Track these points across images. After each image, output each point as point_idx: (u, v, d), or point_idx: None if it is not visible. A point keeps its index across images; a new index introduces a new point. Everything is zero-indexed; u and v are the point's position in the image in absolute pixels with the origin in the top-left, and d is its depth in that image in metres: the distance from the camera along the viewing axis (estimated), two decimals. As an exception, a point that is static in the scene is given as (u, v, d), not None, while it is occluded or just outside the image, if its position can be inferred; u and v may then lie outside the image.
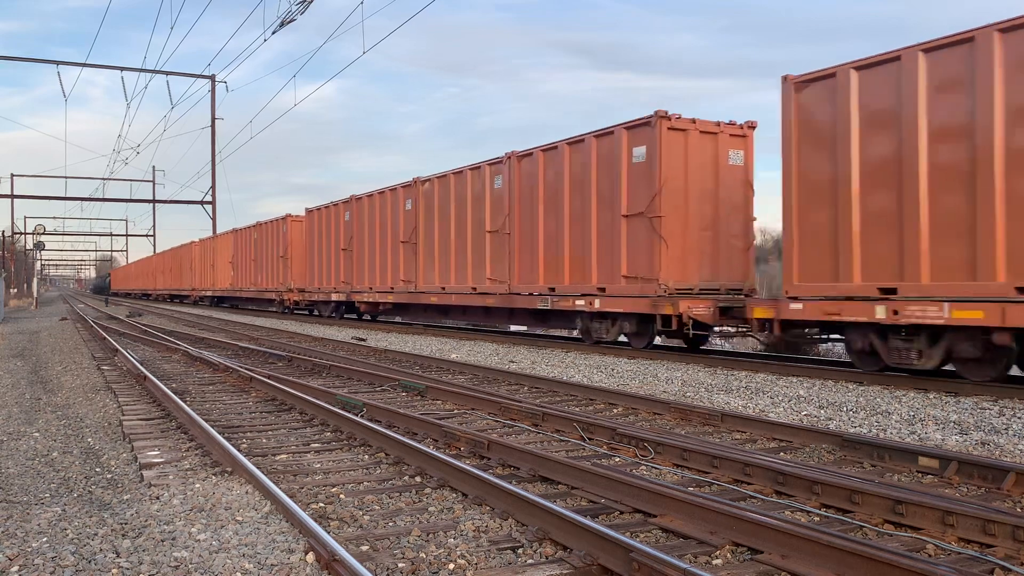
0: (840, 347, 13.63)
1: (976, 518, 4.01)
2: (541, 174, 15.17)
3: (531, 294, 15.32)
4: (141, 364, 11.81)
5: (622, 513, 4.53)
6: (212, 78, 47.24)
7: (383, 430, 6.37)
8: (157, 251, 61.81)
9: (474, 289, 16.95)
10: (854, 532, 4.23)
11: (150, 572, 3.63)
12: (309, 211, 26.51)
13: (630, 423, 7.22)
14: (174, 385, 10.11)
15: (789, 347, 15.16)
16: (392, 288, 20.64)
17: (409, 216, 19.92)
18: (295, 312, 28.46)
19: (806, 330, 11.00)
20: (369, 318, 24.45)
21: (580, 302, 13.86)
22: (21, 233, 69.05)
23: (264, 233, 30.75)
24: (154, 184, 64.25)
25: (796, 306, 10.31)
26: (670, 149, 12.60)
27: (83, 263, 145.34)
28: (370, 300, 21.95)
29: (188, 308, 39.67)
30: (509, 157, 15.92)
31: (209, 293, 39.38)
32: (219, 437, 6.14)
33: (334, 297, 24.19)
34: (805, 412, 7.83)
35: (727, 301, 12.27)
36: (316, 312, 27.48)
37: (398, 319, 24.17)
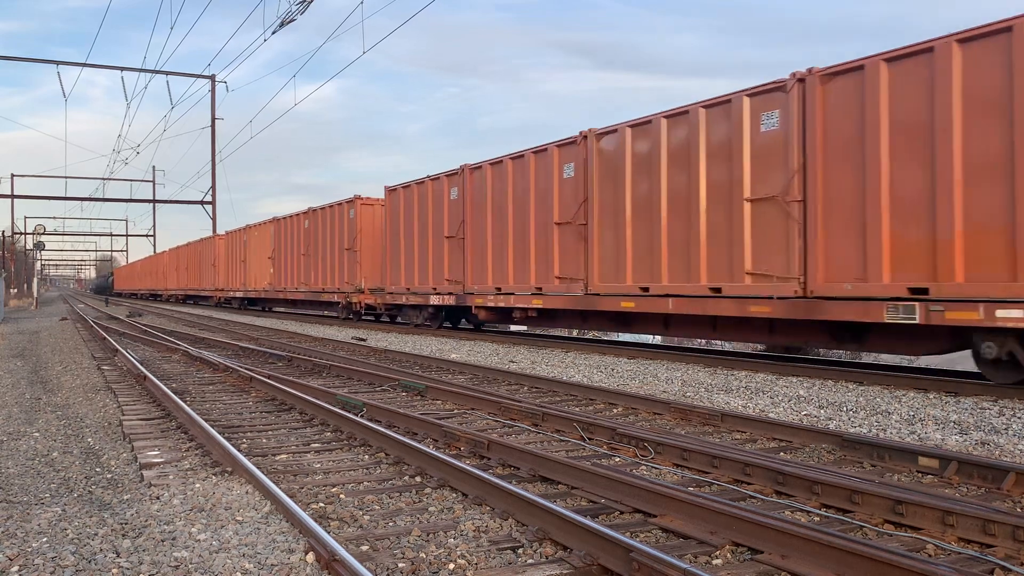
0: None
1: (976, 518, 4.01)
2: (883, 101, 9.29)
3: (854, 299, 9.46)
4: (141, 364, 11.81)
5: (622, 513, 4.53)
6: (212, 78, 47.27)
7: (383, 430, 6.37)
8: (157, 251, 61.40)
9: (716, 291, 11.26)
10: (854, 532, 4.23)
11: (150, 572, 3.63)
12: (391, 190, 20.32)
13: (630, 423, 7.22)
14: (174, 385, 10.11)
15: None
16: (540, 289, 14.77)
17: (572, 187, 14.07)
18: (363, 318, 23.11)
19: None
20: (470, 326, 19.51)
21: (1008, 313, 8.06)
22: (21, 233, 69.12)
23: (321, 221, 24.58)
24: (154, 184, 64.43)
25: None
26: None
27: (83, 263, 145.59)
28: (498, 305, 16.03)
29: (202, 311, 38.05)
30: (802, 80, 10.17)
31: (239, 294, 33.10)
32: (219, 437, 6.14)
33: (435, 300, 18.24)
34: (805, 412, 7.83)
35: None
36: (400, 319, 21.77)
37: (544, 331, 19.31)
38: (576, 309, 14.08)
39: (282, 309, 32.53)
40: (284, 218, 28.39)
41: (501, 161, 16.08)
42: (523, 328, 19.80)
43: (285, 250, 28.06)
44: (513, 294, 15.56)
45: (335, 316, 24.53)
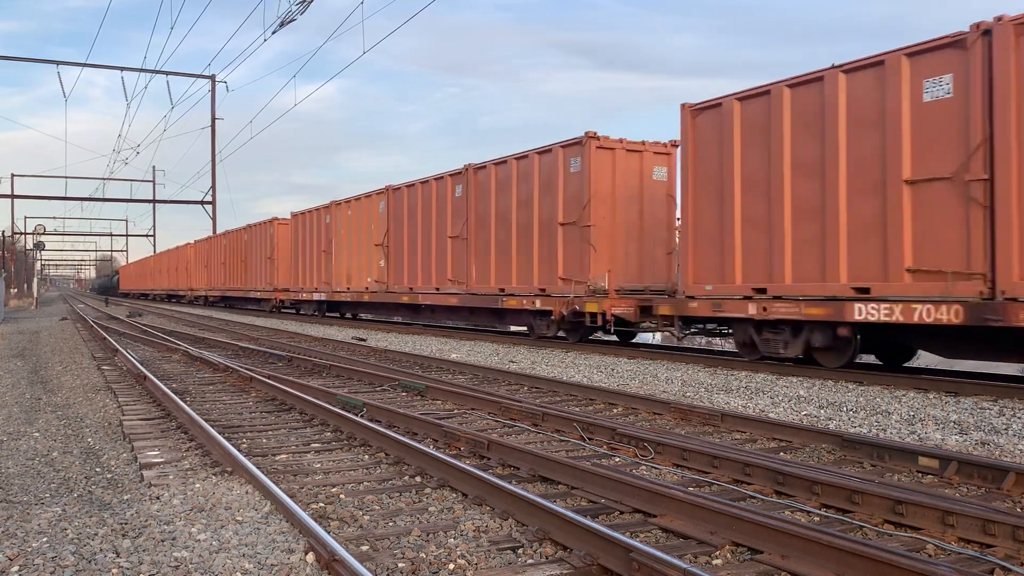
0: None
1: (976, 518, 4.01)
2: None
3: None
4: (141, 364, 11.81)
5: (622, 513, 4.53)
6: (212, 78, 47.29)
7: (383, 430, 6.37)
8: (157, 251, 60.78)
9: None
10: (854, 532, 4.23)
11: (150, 572, 3.63)
12: (700, 108, 11.62)
13: (630, 423, 7.22)
14: (174, 385, 10.11)
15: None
16: None
17: None
18: (594, 339, 15.06)
19: None
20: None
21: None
22: (21, 233, 69.10)
23: (493, 183, 16.25)
24: (154, 184, 64.39)
25: None
26: None
27: (83, 263, 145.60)
28: None
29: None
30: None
31: (319, 296, 24.73)
32: (219, 437, 6.14)
33: (866, 314, 9.22)
34: (805, 412, 7.83)
35: None
36: (690, 340, 14.58)
37: None
38: None
39: (369, 317, 24.39)
40: (409, 185, 19.49)
41: None
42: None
43: (411, 233, 19.52)
44: None
45: (521, 334, 15.98)
